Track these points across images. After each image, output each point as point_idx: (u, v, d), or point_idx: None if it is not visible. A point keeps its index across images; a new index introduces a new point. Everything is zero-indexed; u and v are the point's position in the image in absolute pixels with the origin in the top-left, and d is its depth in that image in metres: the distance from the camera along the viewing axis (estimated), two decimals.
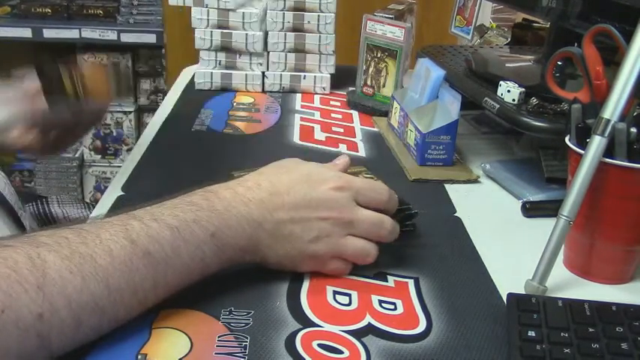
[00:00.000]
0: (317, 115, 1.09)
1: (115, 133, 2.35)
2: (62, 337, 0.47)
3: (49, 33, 2.15)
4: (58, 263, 0.47)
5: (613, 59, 0.76)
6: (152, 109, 2.26)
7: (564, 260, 0.67)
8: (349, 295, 0.60)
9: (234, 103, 1.13)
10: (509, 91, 0.85)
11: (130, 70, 2.31)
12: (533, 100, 0.83)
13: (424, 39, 1.72)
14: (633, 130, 0.60)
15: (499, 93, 0.87)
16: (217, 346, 0.52)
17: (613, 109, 0.60)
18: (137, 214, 0.55)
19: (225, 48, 1.16)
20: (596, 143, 0.60)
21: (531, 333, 0.53)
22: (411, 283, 0.63)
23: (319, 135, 1.01)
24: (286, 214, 0.59)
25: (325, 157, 0.81)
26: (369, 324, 0.56)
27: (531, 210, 0.78)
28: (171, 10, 2.04)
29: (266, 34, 1.17)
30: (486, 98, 0.88)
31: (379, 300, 0.60)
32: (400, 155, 0.93)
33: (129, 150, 2.32)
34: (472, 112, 1.08)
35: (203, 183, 0.61)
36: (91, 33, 2.15)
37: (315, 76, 1.18)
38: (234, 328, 0.54)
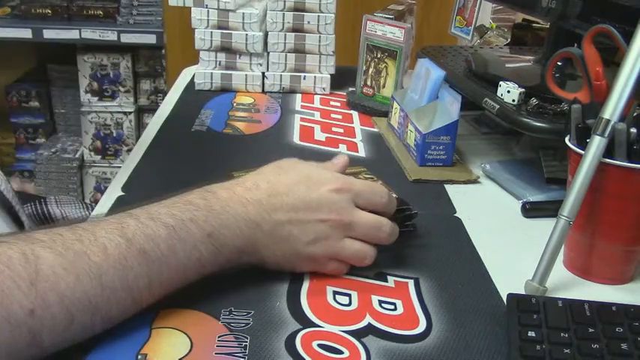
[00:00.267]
0: (317, 116, 1.09)
1: (114, 134, 2.35)
2: (54, 334, 0.47)
3: (49, 34, 2.15)
4: (52, 260, 0.47)
5: (613, 60, 0.76)
6: (152, 109, 2.26)
7: (564, 260, 0.67)
8: (349, 296, 0.60)
9: (234, 104, 1.13)
10: (509, 91, 0.85)
11: (130, 71, 2.31)
12: (533, 101, 0.83)
13: (424, 39, 1.72)
14: (633, 130, 0.60)
15: (499, 93, 0.87)
16: (217, 346, 0.52)
17: (613, 109, 0.60)
18: (134, 212, 0.55)
19: (225, 48, 1.16)
20: (596, 143, 0.60)
21: (531, 333, 0.53)
22: (411, 283, 0.63)
23: (319, 135, 1.01)
24: (285, 216, 0.59)
25: (325, 158, 0.81)
26: (369, 324, 0.56)
27: (531, 210, 0.78)
28: (172, 11, 2.04)
29: (266, 34, 1.17)
30: (486, 99, 0.88)
31: (379, 300, 0.60)
32: (400, 156, 0.93)
33: (129, 150, 2.31)
34: (472, 113, 1.08)
35: (203, 183, 0.61)
36: (91, 34, 2.15)
37: (315, 77, 1.18)
38: (234, 328, 0.54)
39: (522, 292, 0.61)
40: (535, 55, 1.03)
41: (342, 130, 1.03)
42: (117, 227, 0.52)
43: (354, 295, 0.60)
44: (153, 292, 0.53)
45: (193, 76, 1.19)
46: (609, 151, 0.60)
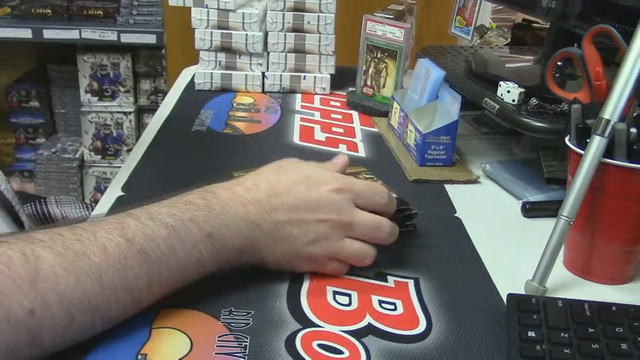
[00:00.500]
0: (317, 116, 1.09)
1: (115, 134, 2.35)
2: (53, 334, 0.47)
3: (49, 34, 2.15)
4: (52, 260, 0.47)
5: (613, 60, 0.76)
6: (152, 109, 2.26)
7: (564, 260, 0.67)
8: (349, 296, 0.60)
9: (234, 104, 1.13)
10: (509, 91, 0.85)
11: (130, 71, 2.31)
12: (533, 101, 0.83)
13: (424, 39, 1.72)
14: (633, 130, 0.60)
15: (499, 93, 0.87)
16: (217, 346, 0.52)
17: (613, 109, 0.60)
18: (134, 212, 0.55)
19: (225, 48, 1.16)
20: (596, 143, 0.60)
21: (531, 333, 0.53)
22: (411, 283, 0.63)
23: (319, 135, 1.01)
24: (285, 216, 0.59)
25: (325, 158, 0.81)
26: (369, 324, 0.56)
27: (531, 210, 0.78)
28: (172, 11, 2.04)
29: (266, 34, 1.17)
30: (486, 99, 0.88)
31: (379, 300, 0.60)
32: (400, 156, 0.93)
33: (129, 150, 2.31)
34: (472, 113, 1.08)
35: (203, 183, 0.61)
36: (91, 34, 2.15)
37: (315, 77, 1.18)
38: (234, 328, 0.54)
39: (522, 292, 0.61)
40: (535, 55, 1.03)
41: (342, 130, 1.03)
42: (117, 227, 0.52)
43: (354, 295, 0.60)
44: (153, 292, 0.53)
45: (193, 76, 1.19)
46: (609, 151, 0.60)
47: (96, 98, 2.32)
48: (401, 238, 0.65)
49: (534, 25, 1.24)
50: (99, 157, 2.38)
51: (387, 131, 1.02)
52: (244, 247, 0.58)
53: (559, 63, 0.76)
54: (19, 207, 0.76)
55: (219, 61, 1.17)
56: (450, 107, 0.87)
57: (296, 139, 0.99)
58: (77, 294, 0.48)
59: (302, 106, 1.13)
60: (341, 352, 0.53)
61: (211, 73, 1.17)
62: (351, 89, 1.17)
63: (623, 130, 0.59)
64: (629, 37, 0.61)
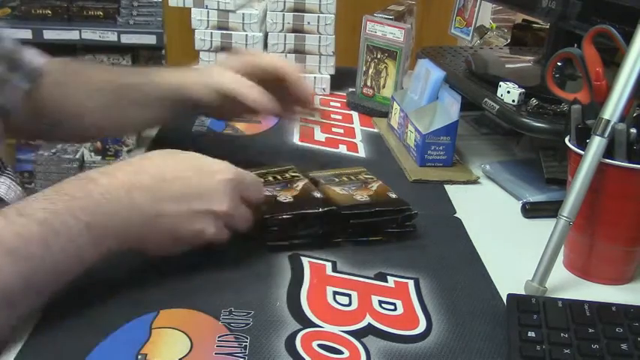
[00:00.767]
0: (317, 116, 1.09)
1: None
2: None
3: (49, 34, 2.15)
4: None
5: (613, 60, 0.76)
6: None
7: (564, 261, 0.67)
8: (349, 296, 0.60)
9: None
10: (509, 92, 0.85)
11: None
12: (533, 101, 0.83)
13: (424, 40, 1.72)
14: (633, 130, 0.60)
15: (499, 94, 0.87)
16: (217, 346, 0.52)
17: (613, 109, 0.60)
18: (3, 211, 0.52)
19: (226, 49, 1.16)
20: (596, 144, 0.60)
21: (531, 333, 0.53)
22: (410, 283, 0.63)
23: (319, 136, 1.01)
24: (168, 204, 0.57)
25: (325, 158, 0.81)
26: (369, 324, 0.56)
27: (531, 211, 0.78)
28: (172, 11, 2.04)
29: (266, 35, 1.17)
30: (486, 99, 0.88)
31: (379, 300, 0.60)
32: (400, 156, 0.93)
33: (129, 151, 2.31)
34: (472, 113, 1.08)
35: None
36: (91, 34, 2.15)
37: (315, 77, 1.18)
38: (234, 328, 0.54)
39: (522, 292, 0.61)
40: (535, 56, 1.03)
41: (342, 131, 1.03)
42: None
43: (354, 295, 0.60)
44: (28, 294, 0.51)
45: None
46: (609, 151, 0.60)
47: None
48: (401, 239, 0.65)
49: (534, 25, 1.24)
50: (99, 157, 2.37)
51: (387, 132, 1.02)
52: (127, 236, 0.56)
53: (559, 63, 0.76)
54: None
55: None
56: (450, 108, 0.87)
57: (296, 139, 0.99)
58: None
59: None
60: (341, 353, 0.53)
61: None
62: (351, 90, 1.17)
63: (623, 130, 0.59)
64: (629, 38, 0.61)
